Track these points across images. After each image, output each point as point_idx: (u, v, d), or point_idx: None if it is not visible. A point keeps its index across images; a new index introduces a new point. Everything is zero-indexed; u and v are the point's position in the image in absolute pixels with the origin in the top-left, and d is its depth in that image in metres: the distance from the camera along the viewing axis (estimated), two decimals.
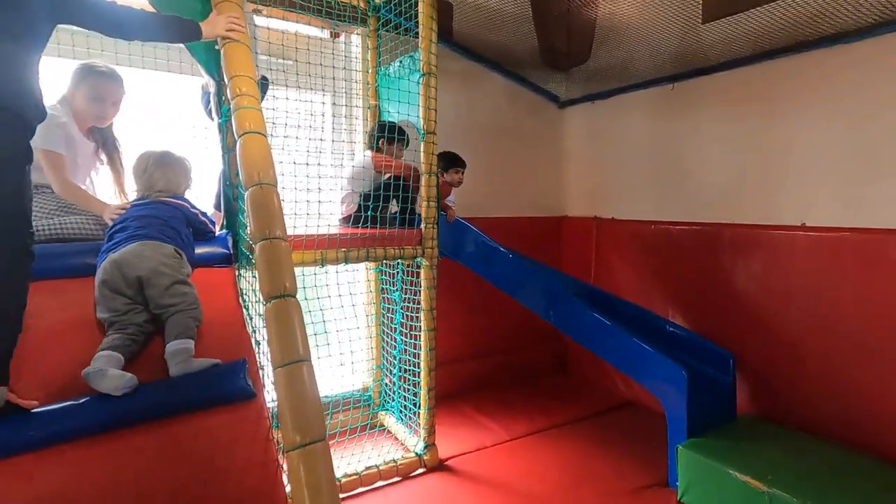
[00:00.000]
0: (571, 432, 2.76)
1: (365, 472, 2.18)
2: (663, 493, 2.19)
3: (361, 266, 2.77)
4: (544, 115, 3.64)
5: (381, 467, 2.23)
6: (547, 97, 3.62)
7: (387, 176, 2.33)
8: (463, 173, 2.74)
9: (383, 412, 2.80)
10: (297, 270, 1.32)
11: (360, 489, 2.17)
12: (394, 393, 2.71)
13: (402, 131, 2.47)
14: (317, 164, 2.03)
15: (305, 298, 2.10)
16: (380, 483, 2.23)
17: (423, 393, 2.37)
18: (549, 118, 3.66)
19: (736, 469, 1.92)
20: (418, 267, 2.38)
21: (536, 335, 3.67)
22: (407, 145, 2.53)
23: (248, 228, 1.31)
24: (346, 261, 2.06)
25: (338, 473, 2.14)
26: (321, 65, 2.28)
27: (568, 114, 3.67)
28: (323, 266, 2.02)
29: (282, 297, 1.17)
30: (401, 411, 2.64)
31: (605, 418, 2.96)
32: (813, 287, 2.34)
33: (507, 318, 3.50)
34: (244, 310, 1.63)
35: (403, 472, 2.30)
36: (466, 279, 3.25)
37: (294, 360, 1.10)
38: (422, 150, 2.24)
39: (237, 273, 1.76)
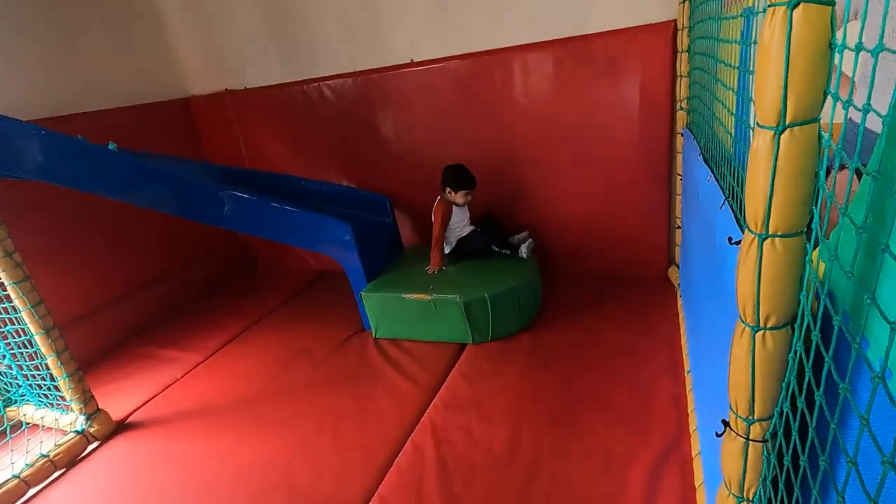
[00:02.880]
0: (270, 324, 2.66)
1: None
2: (362, 337, 2.37)
3: None
4: None
5: (24, 475, 1.67)
6: None
7: None
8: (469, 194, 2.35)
9: (12, 407, 2.07)
10: None
11: None
12: (16, 378, 1.99)
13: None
14: None
15: None
16: (33, 491, 1.69)
17: (51, 362, 1.79)
18: None
19: (405, 292, 2.17)
20: None
21: (214, 239, 3.24)
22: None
23: None
24: None
25: None
26: None
27: None
28: None
29: None
30: (38, 395, 1.99)
31: (303, 296, 2.95)
32: (433, 117, 2.62)
33: (170, 229, 2.93)
34: None
35: (65, 462, 1.79)
36: (86, 205, 2.50)
37: None
38: None
39: None
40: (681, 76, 2.03)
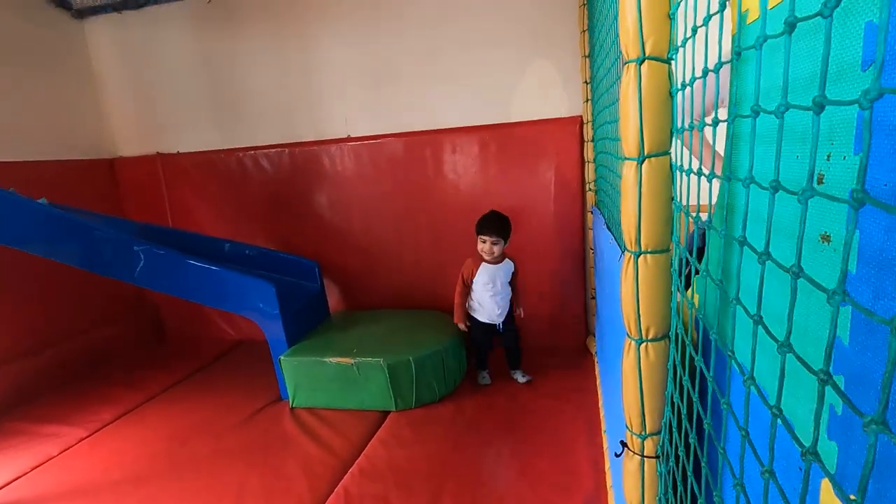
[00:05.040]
0: (175, 395, 2.42)
1: None
2: (278, 407, 2.21)
3: None
4: (55, 27, 2.77)
5: None
6: (54, 1, 2.75)
7: None
8: (492, 243, 2.11)
9: None
10: None
11: None
12: None
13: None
14: None
15: None
16: None
17: None
18: (63, 30, 2.82)
19: (328, 355, 2.10)
20: None
21: (120, 307, 3.00)
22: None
23: None
24: None
25: None
26: None
27: (89, 26, 2.92)
28: None
29: None
30: None
31: (214, 367, 2.74)
32: (365, 190, 2.73)
33: (73, 296, 2.70)
34: None
35: None
36: None
37: None
38: None
39: None
40: (588, 161, 2.31)
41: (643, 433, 0.80)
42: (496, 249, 2.07)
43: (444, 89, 2.52)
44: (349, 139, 2.69)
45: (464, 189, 2.57)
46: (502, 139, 2.47)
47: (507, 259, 2.17)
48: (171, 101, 2.93)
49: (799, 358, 0.37)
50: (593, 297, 2.43)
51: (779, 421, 0.42)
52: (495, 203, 2.52)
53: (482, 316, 2.19)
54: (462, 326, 2.22)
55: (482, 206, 2.54)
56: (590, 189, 2.33)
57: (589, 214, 2.38)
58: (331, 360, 2.09)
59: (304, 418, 2.09)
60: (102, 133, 3.01)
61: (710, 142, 0.72)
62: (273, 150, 2.79)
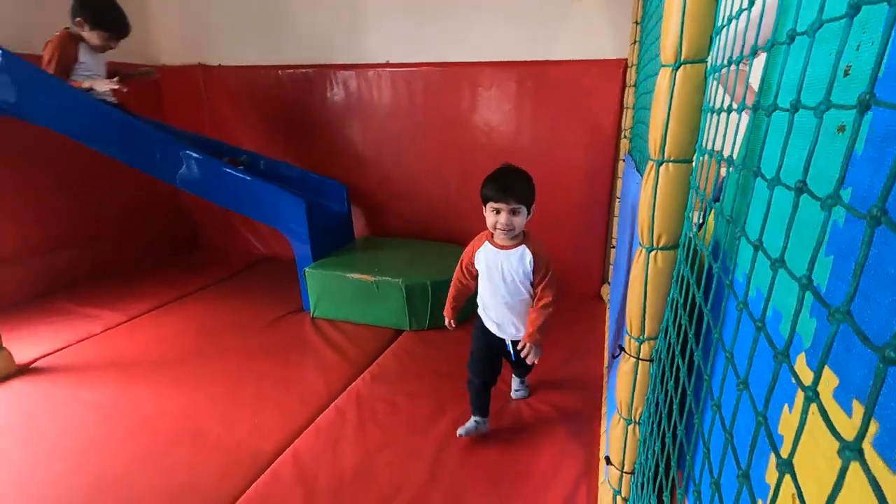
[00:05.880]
0: (206, 295, 2.59)
1: None
2: (300, 316, 2.35)
3: None
4: None
5: None
6: None
7: None
8: (510, 213, 1.30)
9: None
10: None
11: None
12: None
13: None
14: None
15: None
16: None
17: None
18: None
19: (350, 272, 2.20)
20: None
21: (152, 212, 3.15)
22: None
23: None
24: None
25: None
26: None
27: None
28: None
29: None
30: None
31: (242, 276, 2.89)
32: (398, 120, 2.74)
33: (108, 197, 2.84)
34: None
35: None
36: (45, 146, 2.42)
37: None
38: None
39: None
40: (627, 108, 2.26)
41: (641, 337, 0.86)
42: (517, 222, 1.29)
43: (487, 21, 2.46)
44: (387, 65, 2.67)
45: (496, 127, 2.56)
46: (541, 77, 2.42)
47: (523, 245, 1.35)
48: (216, 14, 2.93)
49: (789, 272, 0.38)
50: (613, 247, 2.44)
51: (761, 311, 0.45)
52: (525, 143, 2.53)
53: (488, 320, 1.45)
54: (448, 323, 1.52)
55: (513, 147, 2.55)
56: (624, 136, 2.30)
57: (620, 162, 2.36)
58: (352, 276, 2.19)
59: (323, 327, 2.22)
60: (148, 40, 3.05)
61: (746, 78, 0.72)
62: (312, 70, 2.80)
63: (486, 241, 1.40)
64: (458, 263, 1.48)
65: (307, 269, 2.27)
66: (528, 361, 1.38)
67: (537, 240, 1.39)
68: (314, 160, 2.93)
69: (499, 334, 1.45)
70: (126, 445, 1.48)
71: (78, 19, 2.13)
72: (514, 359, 1.49)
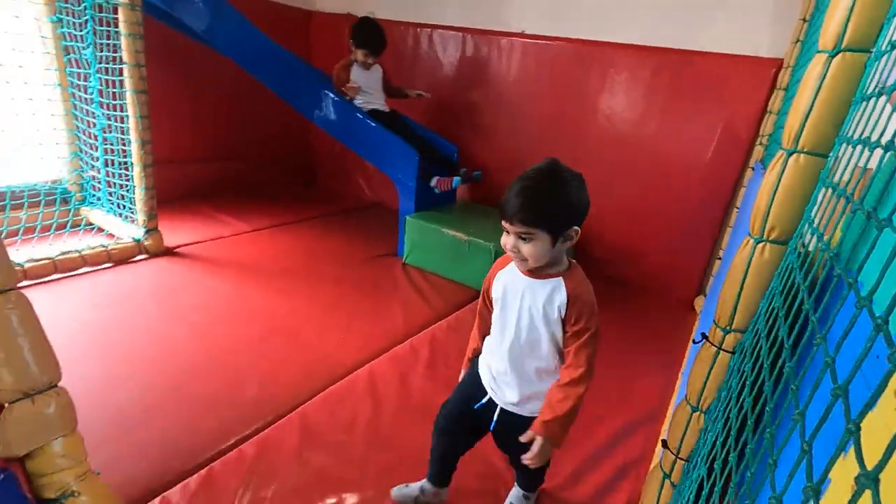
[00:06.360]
0: (316, 224, 2.86)
1: (60, 257, 1.84)
2: (392, 259, 2.52)
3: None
4: None
5: (84, 252, 1.91)
6: None
7: None
8: (518, 237, 0.89)
9: (86, 207, 2.34)
10: None
11: (56, 276, 1.84)
12: (99, 183, 2.26)
13: None
14: None
15: None
16: (86, 269, 1.93)
17: (136, 171, 2.03)
18: None
19: (447, 228, 2.31)
20: (115, 11, 1.86)
21: (286, 145, 3.50)
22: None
23: None
24: None
25: (18, 257, 1.74)
26: None
27: None
28: None
29: None
30: (111, 203, 2.25)
31: (349, 215, 3.14)
32: (520, 90, 2.75)
33: (253, 122, 3.21)
34: None
35: (118, 258, 2.03)
36: (201, 63, 2.79)
37: None
38: None
39: None
40: (770, 112, 2.08)
41: (728, 327, 0.85)
42: (529, 251, 0.88)
43: (632, 1, 2.37)
44: (522, 35, 2.68)
45: (619, 112, 2.48)
46: (680, 67, 2.30)
47: (560, 277, 0.93)
48: None
49: None
50: (720, 258, 2.30)
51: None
52: (646, 134, 2.43)
53: (484, 367, 1.06)
54: (461, 373, 1.15)
55: (632, 135, 2.47)
56: (760, 143, 2.12)
57: (748, 170, 2.19)
58: (447, 231, 2.29)
59: (412, 273, 2.37)
60: None
61: None
62: (448, 32, 2.89)
63: (508, 266, 0.99)
64: (481, 294, 1.06)
65: (407, 217, 2.42)
66: (526, 460, 0.92)
67: (582, 277, 0.95)
68: (431, 117, 3.05)
69: (490, 393, 1.02)
70: (235, 327, 1.74)
71: (350, 41, 2.50)
72: (503, 445, 1.08)
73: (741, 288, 0.81)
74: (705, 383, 0.89)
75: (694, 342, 0.94)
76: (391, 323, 1.93)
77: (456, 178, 2.50)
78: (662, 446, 1.00)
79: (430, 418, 1.38)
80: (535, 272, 0.93)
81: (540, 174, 0.91)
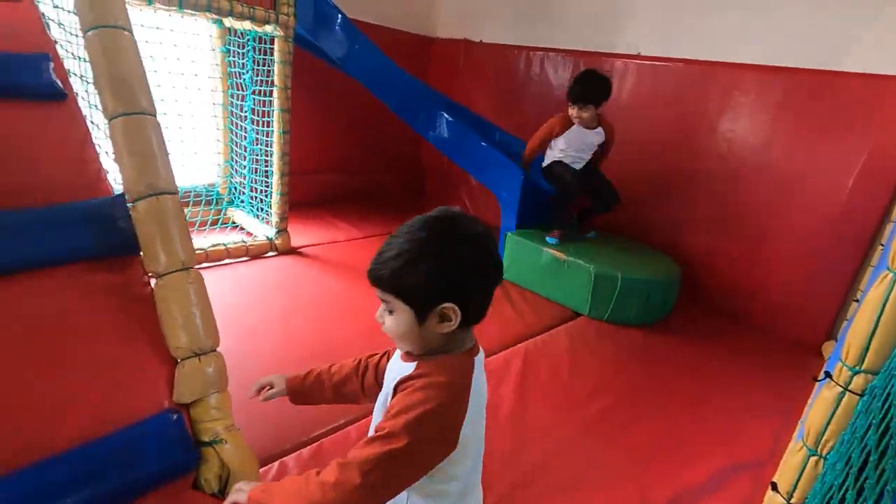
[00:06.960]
0: None
1: (211, 248, 2.16)
2: None
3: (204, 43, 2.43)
4: None
5: (229, 245, 2.23)
6: None
7: None
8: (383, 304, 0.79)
9: (232, 208, 2.71)
10: None
11: (206, 264, 2.16)
12: (244, 188, 2.62)
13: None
14: None
15: None
16: (228, 260, 2.24)
17: (275, 179, 2.33)
18: None
19: (546, 246, 2.33)
20: (271, 42, 2.17)
21: (399, 160, 3.76)
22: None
23: None
24: (180, 6, 1.79)
25: None
26: None
27: None
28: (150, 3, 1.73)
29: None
30: (251, 205, 2.59)
31: None
32: (630, 113, 2.70)
33: (372, 139, 3.50)
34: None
35: (254, 253, 2.33)
36: (334, 88, 3.11)
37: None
38: None
39: None
40: None
41: (857, 367, 0.78)
42: (390, 325, 0.76)
43: (758, 17, 2.23)
44: (637, 56, 2.65)
45: (741, 135, 2.34)
46: (818, 89, 2.12)
47: (415, 362, 0.75)
48: None
49: None
50: (857, 300, 2.05)
51: None
52: (772, 160, 2.28)
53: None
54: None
55: (755, 161, 2.32)
56: None
57: None
58: (547, 250, 2.31)
59: (508, 288, 2.42)
60: (432, 14, 3.58)
61: None
62: (560, 56, 2.94)
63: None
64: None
65: (507, 234, 2.48)
66: None
67: (445, 375, 0.71)
68: None
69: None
70: (344, 324, 1.90)
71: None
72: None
73: (876, 325, 0.75)
74: (826, 425, 0.83)
75: (815, 380, 0.88)
76: (484, 333, 1.96)
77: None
78: (772, 489, 0.93)
79: (519, 428, 1.41)
80: (407, 358, 0.76)
81: (413, 229, 0.71)
